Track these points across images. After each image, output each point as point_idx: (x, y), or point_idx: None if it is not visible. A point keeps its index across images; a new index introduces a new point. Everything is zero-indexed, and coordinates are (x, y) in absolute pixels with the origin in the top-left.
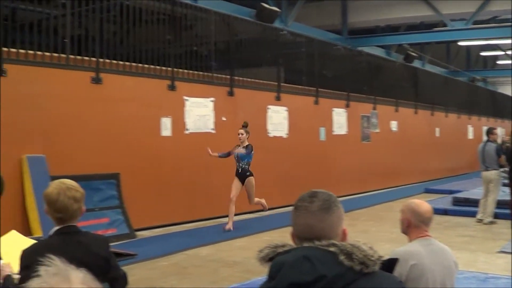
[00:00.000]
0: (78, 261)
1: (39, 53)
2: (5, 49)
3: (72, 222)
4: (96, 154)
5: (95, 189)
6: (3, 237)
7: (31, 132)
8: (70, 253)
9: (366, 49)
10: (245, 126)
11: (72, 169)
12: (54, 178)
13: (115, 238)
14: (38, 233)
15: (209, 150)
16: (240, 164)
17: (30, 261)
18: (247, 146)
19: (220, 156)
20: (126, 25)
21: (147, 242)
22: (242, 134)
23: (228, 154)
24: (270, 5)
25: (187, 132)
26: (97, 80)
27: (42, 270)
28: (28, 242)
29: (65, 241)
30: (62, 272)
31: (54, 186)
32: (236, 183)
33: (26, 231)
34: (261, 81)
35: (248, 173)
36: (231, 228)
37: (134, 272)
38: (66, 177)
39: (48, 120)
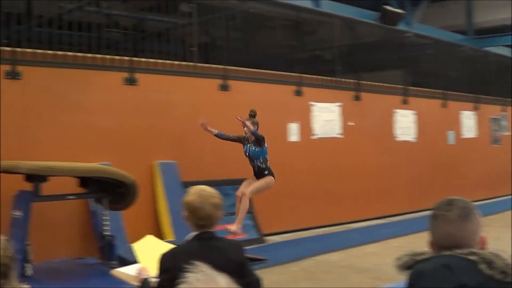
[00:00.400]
0: (215, 266)
1: (168, 62)
2: (135, 59)
3: (211, 228)
4: (225, 160)
5: (224, 195)
6: (139, 242)
7: (162, 138)
8: (208, 258)
9: (493, 49)
10: (252, 115)
11: (202, 175)
12: (185, 183)
13: (244, 243)
14: (170, 237)
15: (205, 124)
16: (255, 163)
17: (169, 265)
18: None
19: (216, 135)
20: (251, 32)
21: (277, 247)
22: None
23: (227, 138)
24: (393, 7)
25: (314, 137)
26: (224, 87)
27: (190, 275)
28: (165, 246)
29: (203, 246)
30: (209, 277)
31: (196, 194)
32: (249, 180)
33: (158, 235)
34: (387, 84)
35: (266, 172)
36: (237, 231)
37: (264, 277)
38: (196, 182)
39: (178, 127)
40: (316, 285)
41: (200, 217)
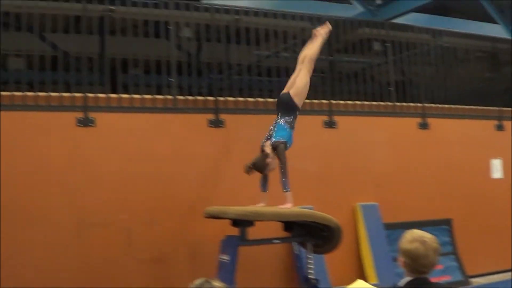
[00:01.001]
0: None
1: (366, 102)
2: (333, 101)
3: (428, 274)
4: (427, 200)
5: None
6: (350, 286)
7: (362, 180)
8: None
9: None
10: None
11: (404, 216)
12: (387, 225)
13: (449, 285)
14: (373, 280)
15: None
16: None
17: None
18: (275, 151)
19: (263, 187)
20: (447, 67)
21: None
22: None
23: (265, 179)
24: None
25: None
26: (424, 126)
27: None
28: None
29: None
30: None
31: (418, 242)
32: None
33: (361, 278)
34: None
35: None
36: None
37: None
38: (398, 224)
39: (378, 168)
40: None
41: (422, 265)
